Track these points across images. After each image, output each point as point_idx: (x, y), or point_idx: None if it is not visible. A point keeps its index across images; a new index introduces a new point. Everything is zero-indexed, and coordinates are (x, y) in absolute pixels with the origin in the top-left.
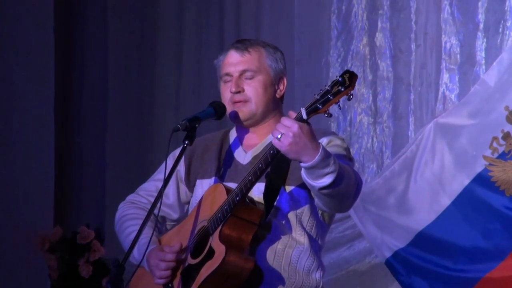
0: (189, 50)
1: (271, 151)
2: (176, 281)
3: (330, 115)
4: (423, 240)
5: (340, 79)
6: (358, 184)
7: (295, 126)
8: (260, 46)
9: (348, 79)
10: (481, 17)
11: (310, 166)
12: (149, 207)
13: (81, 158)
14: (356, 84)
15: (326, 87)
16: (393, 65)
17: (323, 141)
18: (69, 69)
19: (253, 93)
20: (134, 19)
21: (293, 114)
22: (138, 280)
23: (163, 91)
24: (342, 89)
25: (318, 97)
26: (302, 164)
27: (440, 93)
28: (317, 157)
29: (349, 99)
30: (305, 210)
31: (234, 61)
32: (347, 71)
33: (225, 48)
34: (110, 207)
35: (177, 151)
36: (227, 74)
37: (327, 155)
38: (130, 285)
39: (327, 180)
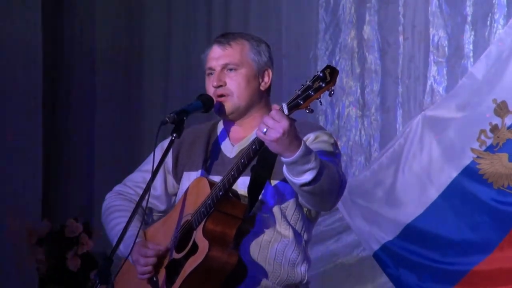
0: (177, 42)
1: (253, 146)
2: (161, 275)
3: (312, 111)
4: (411, 232)
5: (321, 74)
6: (341, 183)
7: (285, 122)
8: (244, 39)
9: (329, 75)
10: (469, 10)
11: (291, 161)
12: (135, 198)
13: (69, 151)
14: (344, 77)
15: (308, 83)
16: (381, 58)
17: (310, 136)
18: (56, 62)
19: (235, 87)
20: (122, 15)
21: (277, 107)
22: (125, 274)
23: (151, 85)
24: (323, 85)
25: (299, 92)
26: (283, 159)
27: (428, 86)
28: (297, 153)
29: (330, 94)
30: (290, 204)
31: (216, 55)
32: (328, 66)
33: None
34: (98, 200)
35: (165, 142)
36: (210, 68)
37: (308, 151)
38: (117, 279)
39: (307, 176)
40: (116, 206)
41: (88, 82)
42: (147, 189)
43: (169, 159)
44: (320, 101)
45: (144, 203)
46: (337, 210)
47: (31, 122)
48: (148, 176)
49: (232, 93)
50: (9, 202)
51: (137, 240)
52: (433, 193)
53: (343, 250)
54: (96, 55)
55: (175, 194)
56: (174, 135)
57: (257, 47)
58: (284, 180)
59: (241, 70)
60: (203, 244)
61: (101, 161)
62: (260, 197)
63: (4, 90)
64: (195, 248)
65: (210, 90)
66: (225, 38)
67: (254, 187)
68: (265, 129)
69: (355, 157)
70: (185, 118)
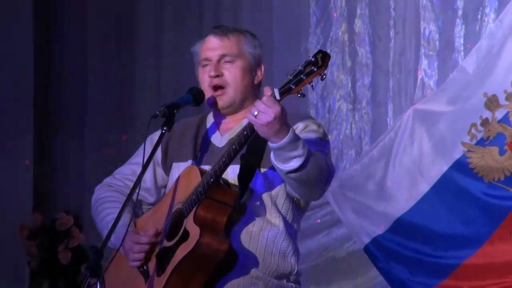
0: (168, 37)
1: (244, 132)
2: (152, 264)
3: (303, 95)
4: (401, 226)
5: (313, 59)
6: (329, 172)
7: (277, 108)
8: (239, 32)
9: (321, 59)
10: (459, 3)
11: (277, 147)
12: (125, 190)
13: (60, 144)
14: (335, 70)
15: (299, 67)
16: (372, 51)
17: (299, 126)
18: (49, 60)
19: (232, 78)
20: (113, 10)
21: (268, 90)
22: (116, 265)
23: (143, 79)
24: (315, 69)
25: (291, 77)
26: (270, 144)
27: (419, 79)
28: (285, 139)
29: (322, 79)
30: (280, 191)
31: (213, 46)
32: (320, 51)
33: (203, 35)
34: (89, 193)
35: (155, 135)
36: (206, 59)
37: (296, 138)
38: (108, 271)
39: (294, 164)
40: (106, 198)
41: (80, 76)
42: (137, 182)
43: (158, 152)
44: (312, 85)
45: (134, 196)
46: (327, 203)
47: (22, 115)
48: (138, 168)
49: (229, 84)
50: (0, 196)
51: (128, 229)
52: (424, 187)
53: (333, 243)
54: (87, 49)
55: (165, 186)
56: (165, 128)
57: (253, 41)
58: (274, 168)
59: (238, 62)
60: (195, 231)
61: (91, 154)
62: (250, 185)
63: None
64: (186, 235)
65: (206, 81)
66: (221, 29)
67: (244, 175)
68: (256, 112)
69: (346, 150)
70: (175, 111)
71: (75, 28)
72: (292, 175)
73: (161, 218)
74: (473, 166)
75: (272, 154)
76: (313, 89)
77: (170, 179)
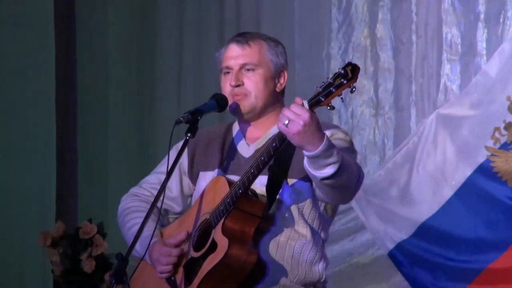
0: (189, 43)
1: (273, 144)
2: (179, 275)
3: (333, 108)
4: (426, 231)
5: (342, 71)
6: (359, 177)
7: (306, 114)
8: (261, 39)
9: (351, 72)
10: (481, 7)
11: (314, 155)
12: (151, 199)
13: (83, 152)
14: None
15: (329, 80)
16: (394, 56)
17: (326, 133)
18: (70, 66)
19: (253, 87)
20: (135, 14)
21: (299, 101)
22: (140, 273)
23: (164, 85)
24: (345, 82)
25: (320, 89)
26: (305, 153)
27: (441, 84)
28: (321, 147)
29: (351, 91)
30: (307, 203)
31: (234, 54)
32: (349, 64)
33: (226, 41)
34: (112, 201)
35: (180, 144)
36: (227, 67)
37: (330, 145)
38: (133, 279)
39: (329, 170)
40: (132, 208)
41: (101, 84)
42: (162, 189)
43: (185, 160)
44: (341, 98)
45: (159, 204)
46: (352, 209)
47: (45, 124)
48: (163, 177)
49: (250, 93)
50: (24, 204)
51: (154, 239)
52: (448, 192)
53: (358, 249)
54: (108, 57)
55: (191, 195)
56: (189, 134)
57: (275, 48)
58: (301, 178)
59: (259, 70)
60: (223, 242)
61: (115, 163)
62: (277, 196)
63: (18, 93)
64: (214, 246)
65: (227, 89)
66: (243, 37)
67: (272, 186)
68: (286, 121)
69: (369, 156)
70: (199, 117)
71: (97, 32)
72: (326, 181)
73: (188, 228)
74: (497, 170)
75: (306, 160)
76: (342, 101)
77: (197, 188)
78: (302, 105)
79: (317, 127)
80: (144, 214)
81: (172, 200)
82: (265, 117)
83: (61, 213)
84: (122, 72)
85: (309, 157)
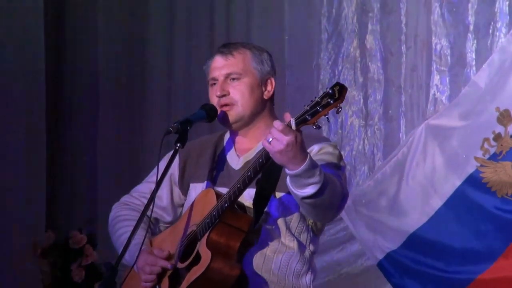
0: (179, 54)
1: (260, 160)
2: (165, 285)
3: (319, 127)
4: (415, 242)
5: (330, 91)
6: (343, 197)
7: (290, 136)
8: (245, 48)
9: (338, 92)
10: (471, 18)
11: (295, 174)
12: (142, 208)
13: (73, 162)
14: (347, 86)
15: (316, 99)
16: (383, 67)
17: (314, 148)
18: (61, 72)
19: (238, 96)
20: (124, 21)
21: (288, 117)
22: (130, 282)
23: (154, 94)
24: (332, 102)
25: (307, 108)
26: (287, 171)
27: (431, 95)
28: (302, 167)
29: (337, 112)
30: (294, 216)
31: (218, 65)
32: (337, 84)
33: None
34: (102, 211)
35: (170, 154)
36: (213, 79)
37: (313, 165)
38: (122, 287)
39: (310, 190)
40: (123, 216)
41: (91, 94)
42: (150, 200)
43: (175, 171)
44: (327, 118)
45: (149, 213)
46: (341, 219)
47: (35, 134)
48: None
49: (236, 102)
50: (13, 214)
51: (143, 248)
52: (437, 202)
53: (347, 259)
54: (98, 67)
55: (182, 205)
56: (178, 144)
57: (259, 56)
58: (289, 192)
59: (244, 79)
60: (206, 255)
61: (104, 172)
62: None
63: (7, 102)
64: (198, 258)
65: (214, 100)
66: (227, 48)
67: (260, 200)
68: (270, 139)
69: (359, 166)
70: (189, 127)
71: (87, 38)
72: (307, 200)
73: (177, 238)
74: (486, 180)
75: (288, 178)
76: (328, 121)
77: (188, 199)
78: (289, 123)
79: (300, 147)
80: (134, 223)
81: (162, 209)
82: (254, 127)
83: (51, 223)
84: (112, 81)
85: (291, 176)
